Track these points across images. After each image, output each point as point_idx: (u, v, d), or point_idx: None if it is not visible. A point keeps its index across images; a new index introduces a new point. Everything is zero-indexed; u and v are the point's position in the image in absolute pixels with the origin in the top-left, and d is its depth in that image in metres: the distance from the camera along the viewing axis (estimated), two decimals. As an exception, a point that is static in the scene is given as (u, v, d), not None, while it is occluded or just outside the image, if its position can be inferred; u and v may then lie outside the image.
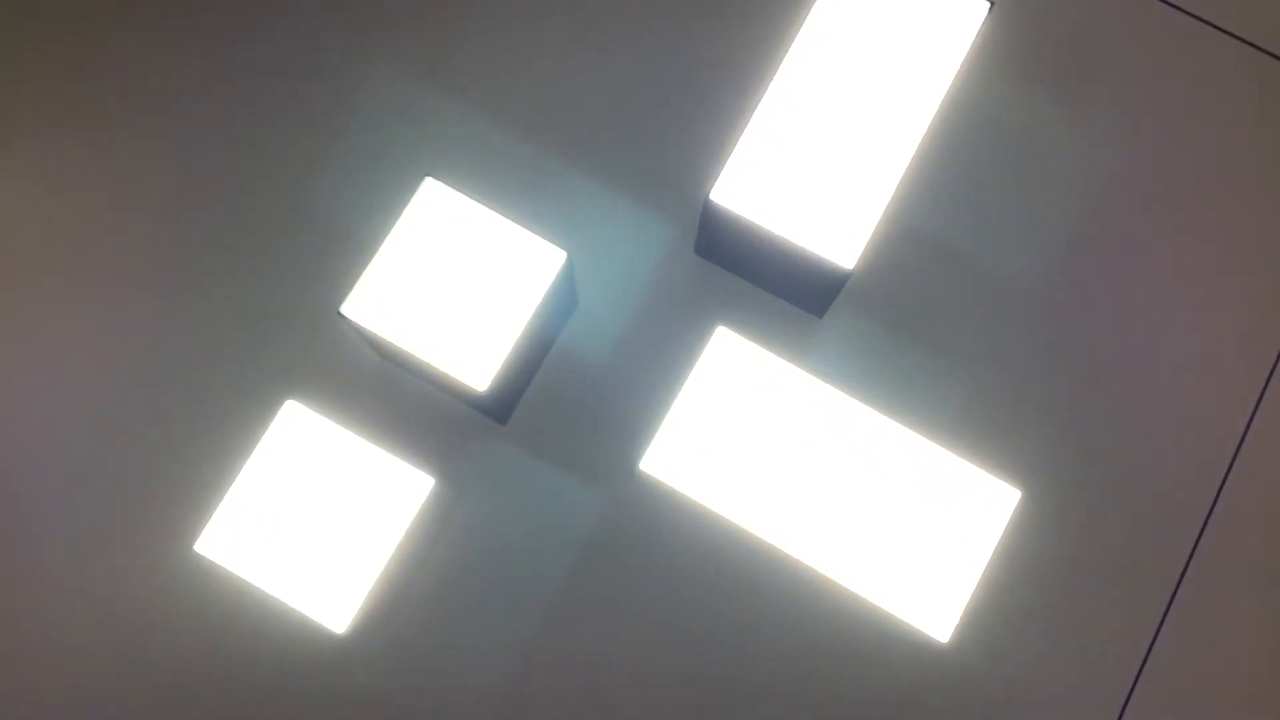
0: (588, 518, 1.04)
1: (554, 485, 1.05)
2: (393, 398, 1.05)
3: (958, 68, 0.95)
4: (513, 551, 1.03)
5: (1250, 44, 1.12)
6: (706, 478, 0.89)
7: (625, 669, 1.01)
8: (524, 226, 0.95)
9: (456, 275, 0.93)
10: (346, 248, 1.08)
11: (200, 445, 1.05)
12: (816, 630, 1.01)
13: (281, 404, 0.94)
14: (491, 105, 1.12)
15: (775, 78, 0.95)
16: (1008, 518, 0.89)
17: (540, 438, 1.06)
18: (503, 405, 1.03)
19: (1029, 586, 1.02)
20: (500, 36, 1.14)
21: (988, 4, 0.96)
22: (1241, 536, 1.03)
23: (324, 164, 1.11)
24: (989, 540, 0.89)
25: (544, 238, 0.95)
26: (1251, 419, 1.05)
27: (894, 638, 1.00)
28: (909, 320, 1.08)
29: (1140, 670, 1.00)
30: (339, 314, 0.93)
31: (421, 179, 0.95)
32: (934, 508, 0.89)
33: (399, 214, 0.94)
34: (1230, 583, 1.02)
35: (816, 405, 0.91)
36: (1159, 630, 1.01)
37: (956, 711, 1.00)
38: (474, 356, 0.92)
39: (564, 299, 1.03)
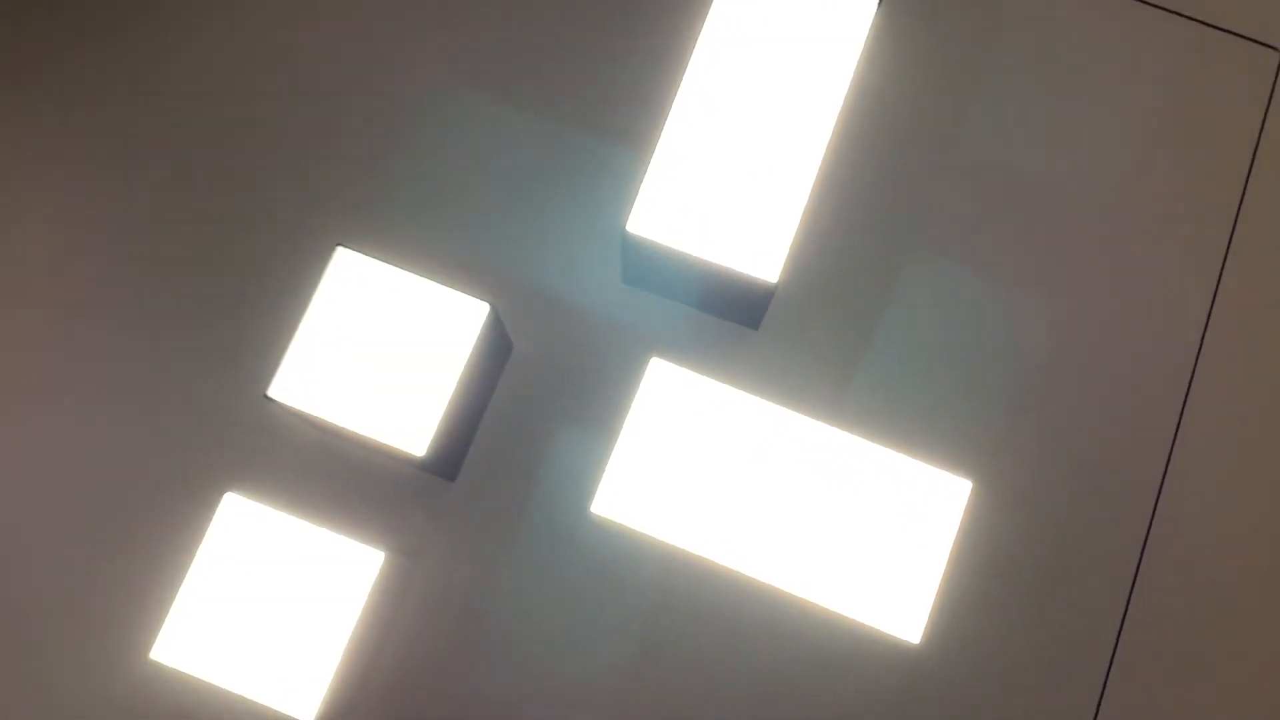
0: (546, 567, 1.03)
1: (509, 538, 1.04)
2: (335, 471, 1.04)
3: (853, 69, 0.96)
4: (475, 612, 1.03)
5: (1147, 2, 1.15)
6: (660, 512, 0.90)
7: (606, 712, 1.01)
8: (443, 283, 0.95)
9: (381, 342, 0.93)
10: (266, 327, 1.06)
11: (143, 550, 1.03)
12: (789, 648, 1.02)
13: (220, 498, 0.93)
14: (396, 162, 1.12)
15: (676, 101, 0.96)
16: (962, 509, 0.90)
17: (491, 490, 1.05)
18: (448, 464, 1.02)
19: (992, 575, 1.03)
20: (389, 93, 1.14)
21: (876, 2, 0.97)
22: (1198, 496, 1.05)
23: (233, 244, 1.10)
24: (947, 535, 0.90)
25: (465, 290, 0.94)
26: (1189, 388, 1.07)
27: (866, 645, 1.00)
28: (842, 323, 1.09)
29: (1116, 642, 1.02)
30: (266, 397, 0.92)
31: (333, 248, 0.94)
32: (889, 509, 0.90)
33: (314, 287, 0.93)
34: (1191, 543, 1.04)
35: (759, 424, 0.91)
36: (1129, 602, 1.02)
37: (938, 709, 1.01)
38: (409, 422, 0.91)
39: (495, 348, 1.02)
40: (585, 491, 1.03)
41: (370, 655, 1.00)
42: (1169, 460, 1.05)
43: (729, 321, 1.10)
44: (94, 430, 1.06)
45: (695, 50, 0.96)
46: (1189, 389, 1.07)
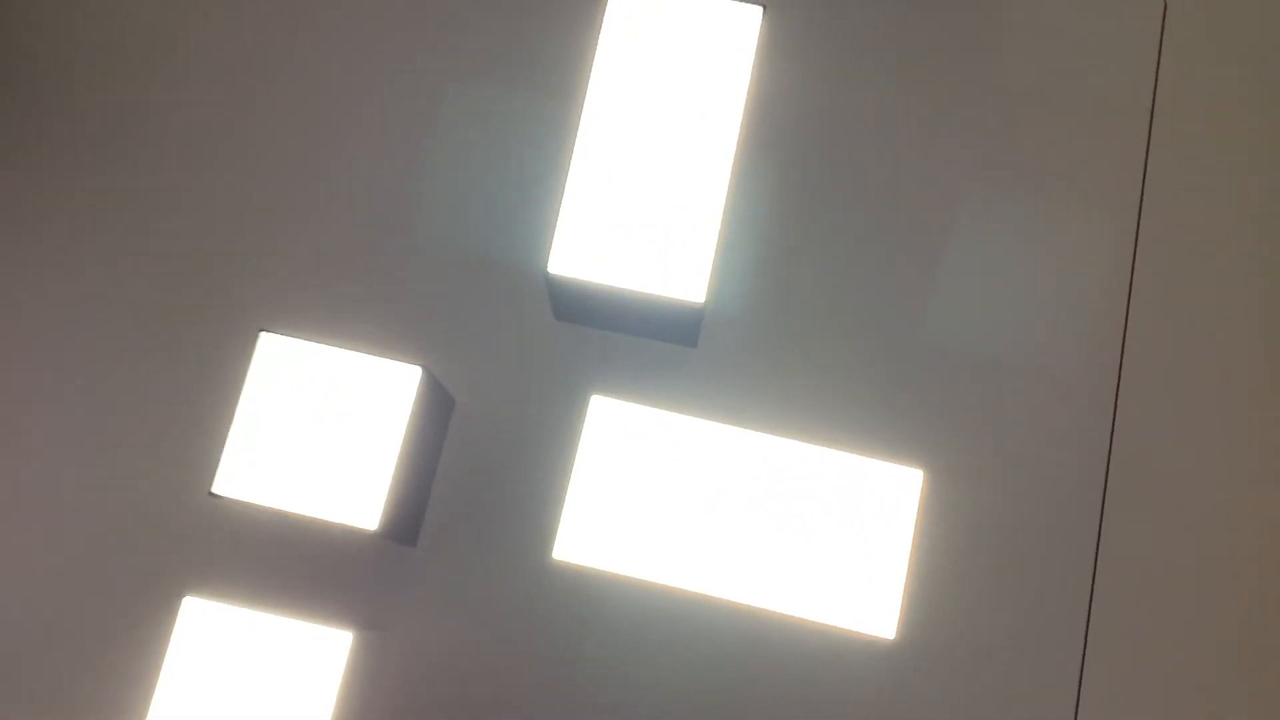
0: (517, 620, 1.04)
1: (477, 596, 1.04)
2: (292, 556, 1.04)
3: (748, 80, 0.98)
4: (452, 676, 1.03)
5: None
6: (621, 548, 0.90)
7: None
8: (372, 352, 0.95)
9: (318, 420, 0.93)
10: (198, 419, 1.06)
11: (105, 665, 1.02)
12: (768, 663, 1.03)
13: (178, 602, 0.92)
14: (307, 239, 1.12)
15: (578, 136, 0.97)
16: (917, 499, 0.92)
17: (452, 551, 1.05)
18: (405, 530, 1.02)
19: (957, 561, 1.05)
20: (291, 172, 1.14)
21: (760, 7, 0.99)
22: (1146, 462, 1.07)
23: (155, 339, 1.09)
24: (906, 526, 0.91)
25: (396, 356, 0.95)
26: (1122, 354, 1.09)
27: (844, 648, 1.02)
28: (777, 331, 1.10)
29: (1089, 608, 1.04)
30: (211, 494, 0.91)
31: (257, 334, 0.94)
32: (846, 510, 0.91)
33: (242, 374, 0.93)
34: (1147, 504, 1.06)
35: (707, 447, 0.93)
36: (1095, 569, 1.04)
37: (922, 700, 1.02)
38: (358, 496, 0.92)
39: (436, 407, 1.03)
40: (545, 538, 1.04)
41: (355, 735, 1.00)
42: (1113, 427, 1.07)
43: (667, 342, 1.11)
44: (35, 544, 1.05)
45: (590, 82, 0.97)
46: (1122, 355, 1.09)
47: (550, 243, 0.95)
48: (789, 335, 1.10)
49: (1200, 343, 1.10)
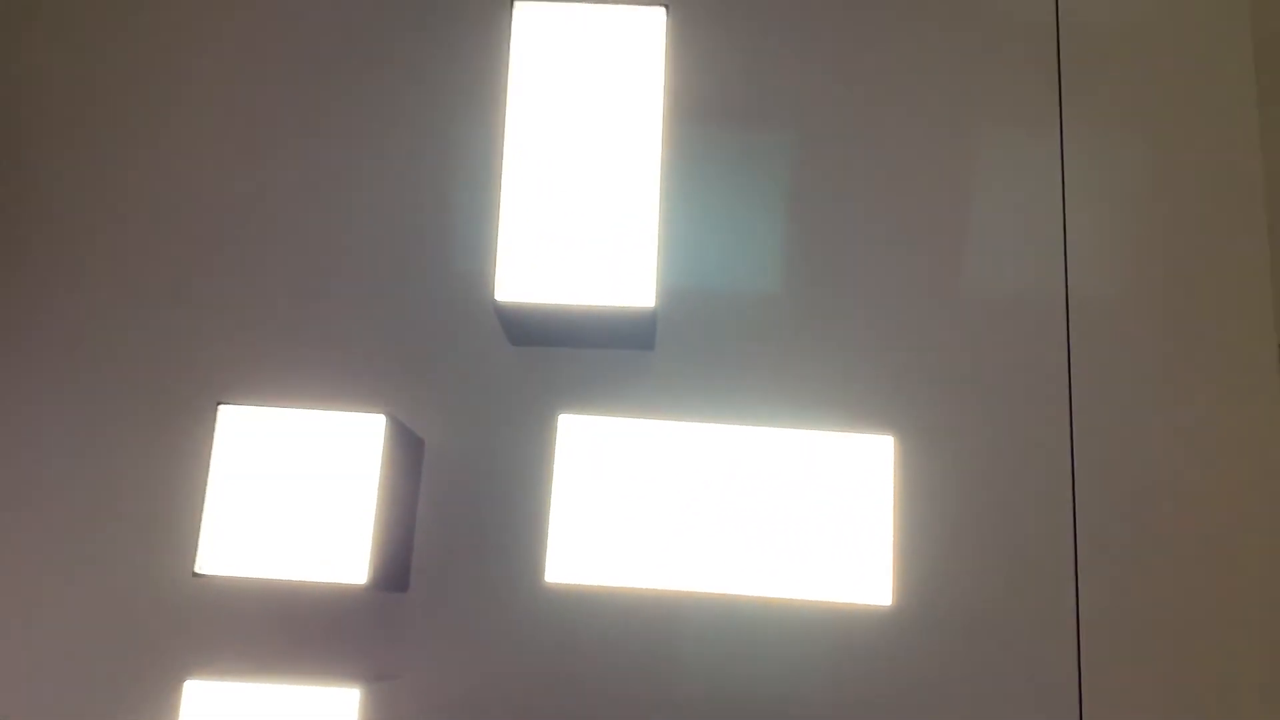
0: (521, 650, 1.04)
1: (476, 631, 1.05)
2: (288, 622, 1.04)
3: (662, 80, 0.99)
4: (467, 717, 1.03)
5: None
6: (612, 561, 0.92)
7: None
8: (333, 407, 0.95)
9: (291, 484, 0.93)
10: (172, 499, 1.06)
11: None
12: (774, 650, 1.04)
13: (179, 686, 0.92)
14: (249, 303, 1.12)
15: (505, 159, 0.98)
16: (891, 465, 0.94)
17: (444, 591, 1.06)
18: (395, 578, 1.03)
19: (939, 519, 1.07)
20: (224, 236, 1.14)
21: (663, 7, 1.00)
22: (1104, 397, 1.10)
23: (112, 427, 1.09)
24: (885, 493, 0.93)
25: (357, 407, 0.95)
26: (1067, 307, 1.12)
27: (844, 622, 1.04)
28: (731, 322, 1.12)
29: (1075, 549, 1.06)
30: (195, 574, 0.91)
31: (214, 407, 0.94)
32: (824, 487, 0.93)
33: (207, 448, 0.93)
34: (1114, 446, 1.09)
35: (679, 447, 0.94)
36: (1075, 510, 1.07)
37: (927, 662, 1.04)
38: (343, 552, 0.92)
39: (406, 451, 1.03)
40: (536, 563, 1.04)
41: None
42: (1070, 375, 1.10)
43: (625, 350, 1.13)
44: (23, 648, 1.04)
45: (506, 104, 0.98)
46: (1067, 308, 1.11)
47: (493, 270, 0.97)
48: (743, 325, 1.12)
49: (1138, 266, 1.13)
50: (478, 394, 1.10)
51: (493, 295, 0.97)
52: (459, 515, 1.07)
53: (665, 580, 0.92)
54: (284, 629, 1.04)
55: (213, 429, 0.94)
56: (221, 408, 0.95)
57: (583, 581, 0.91)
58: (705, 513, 0.93)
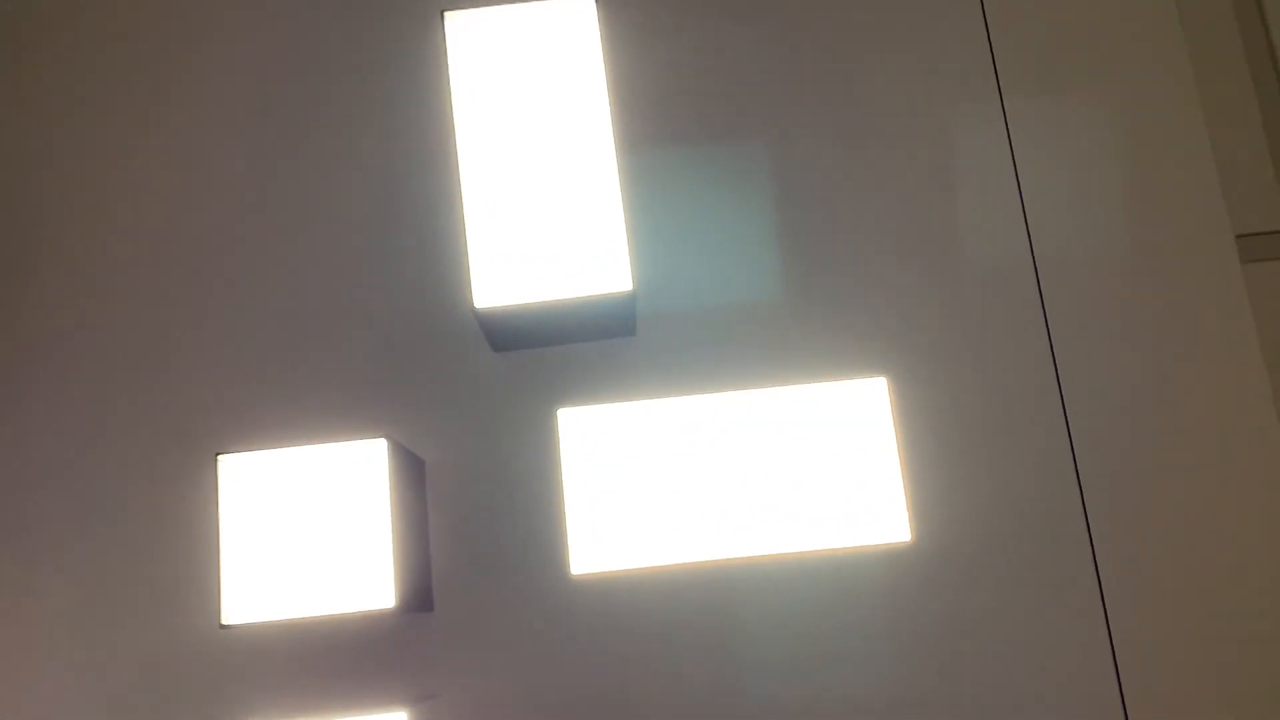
0: (560, 647, 1.05)
1: (511, 637, 1.06)
2: (322, 657, 1.04)
3: (603, 65, 1.01)
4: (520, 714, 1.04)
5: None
6: (633, 543, 0.93)
7: None
8: (330, 439, 0.96)
9: (302, 521, 0.94)
10: (189, 557, 1.05)
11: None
12: (805, 605, 1.06)
13: (224, 741, 0.92)
14: (229, 347, 1.12)
15: (460, 163, 0.99)
16: (889, 405, 0.96)
17: (471, 603, 1.06)
18: (421, 599, 1.03)
19: (943, 452, 1.09)
20: (197, 286, 1.14)
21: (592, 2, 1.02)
22: (1081, 327, 1.12)
23: (117, 487, 1.08)
24: (887, 433, 0.96)
25: (352, 435, 0.96)
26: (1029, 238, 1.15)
27: (869, 567, 1.06)
28: (708, 293, 1.14)
29: (1075, 469, 1.09)
30: (222, 627, 0.92)
31: (214, 458, 0.95)
32: (828, 437, 0.95)
33: (215, 500, 0.93)
34: (1102, 371, 1.12)
35: (679, 422, 0.96)
36: (1070, 437, 1.10)
37: (954, 590, 1.07)
38: (367, 582, 0.93)
39: (409, 472, 1.04)
40: (559, 560, 1.06)
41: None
42: (1042, 303, 1.13)
43: (607, 339, 1.14)
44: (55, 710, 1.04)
45: (453, 112, 0.99)
46: (1033, 253, 1.14)
47: (469, 279, 0.98)
48: (720, 294, 1.14)
49: (1093, 211, 1.16)
50: (469, 405, 1.11)
51: (472, 304, 0.98)
52: (471, 527, 1.08)
53: (689, 553, 0.93)
54: (318, 666, 1.04)
55: (213, 477, 0.94)
56: (221, 458, 0.95)
57: (609, 568, 0.92)
58: (717, 481, 0.95)
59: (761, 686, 1.05)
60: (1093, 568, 1.07)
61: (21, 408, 1.11)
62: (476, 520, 1.08)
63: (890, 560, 1.06)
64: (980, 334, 1.12)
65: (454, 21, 1.03)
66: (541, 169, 1.00)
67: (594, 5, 1.02)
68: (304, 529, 0.94)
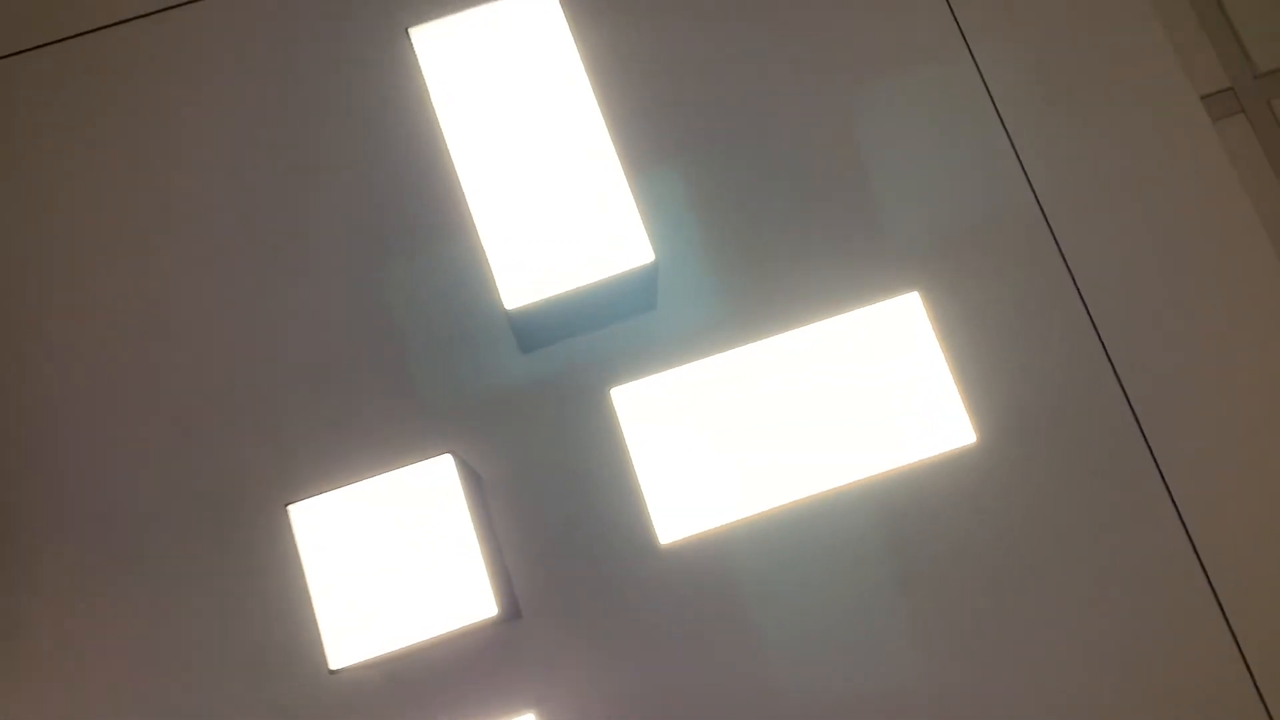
0: (666, 619, 1.07)
1: (615, 623, 1.07)
2: (434, 685, 1.05)
3: (576, 50, 1.02)
4: (647, 707, 1.05)
5: None
6: (714, 503, 0.95)
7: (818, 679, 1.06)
8: (395, 465, 0.97)
9: (387, 552, 0.94)
10: (277, 607, 1.05)
11: None
12: (886, 528, 1.08)
13: (357, 783, 0.93)
14: (270, 394, 1.12)
15: (460, 174, 1.00)
16: (925, 317, 0.99)
17: (560, 601, 1.08)
18: (511, 607, 1.05)
19: (989, 353, 1.12)
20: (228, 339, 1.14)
21: (552, -8, 1.03)
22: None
23: (188, 542, 1.08)
24: (931, 342, 0.98)
25: (418, 455, 0.97)
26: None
27: (943, 475, 1.08)
28: (720, 249, 1.16)
29: (1106, 354, 1.12)
30: (331, 672, 0.92)
31: (283, 511, 0.95)
32: (875, 361, 0.98)
33: (294, 550, 0.94)
34: (1112, 272, 1.15)
35: (728, 376, 0.97)
36: (1091, 318, 1.13)
37: (1032, 481, 1.09)
38: (465, 598, 0.94)
39: (475, 485, 1.05)
40: (640, 537, 1.07)
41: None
42: (1036, 198, 1.16)
43: (631, 318, 1.15)
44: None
45: (441, 123, 1.00)
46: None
47: (492, 284, 0.99)
48: (730, 253, 1.16)
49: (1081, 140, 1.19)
50: (514, 410, 1.12)
51: (502, 307, 0.99)
52: (541, 530, 1.09)
53: (766, 500, 0.95)
54: (427, 694, 1.05)
55: (285, 528, 0.95)
56: (290, 508, 0.95)
57: (697, 530, 0.94)
58: (778, 425, 0.96)
59: (862, 615, 1.07)
60: (1143, 442, 1.10)
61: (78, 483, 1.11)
62: (546, 522, 1.09)
63: (961, 465, 1.08)
64: (993, 244, 1.15)
65: (420, 36, 1.04)
66: (537, 162, 1.01)
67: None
68: (391, 558, 0.94)
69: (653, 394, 0.98)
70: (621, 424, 0.97)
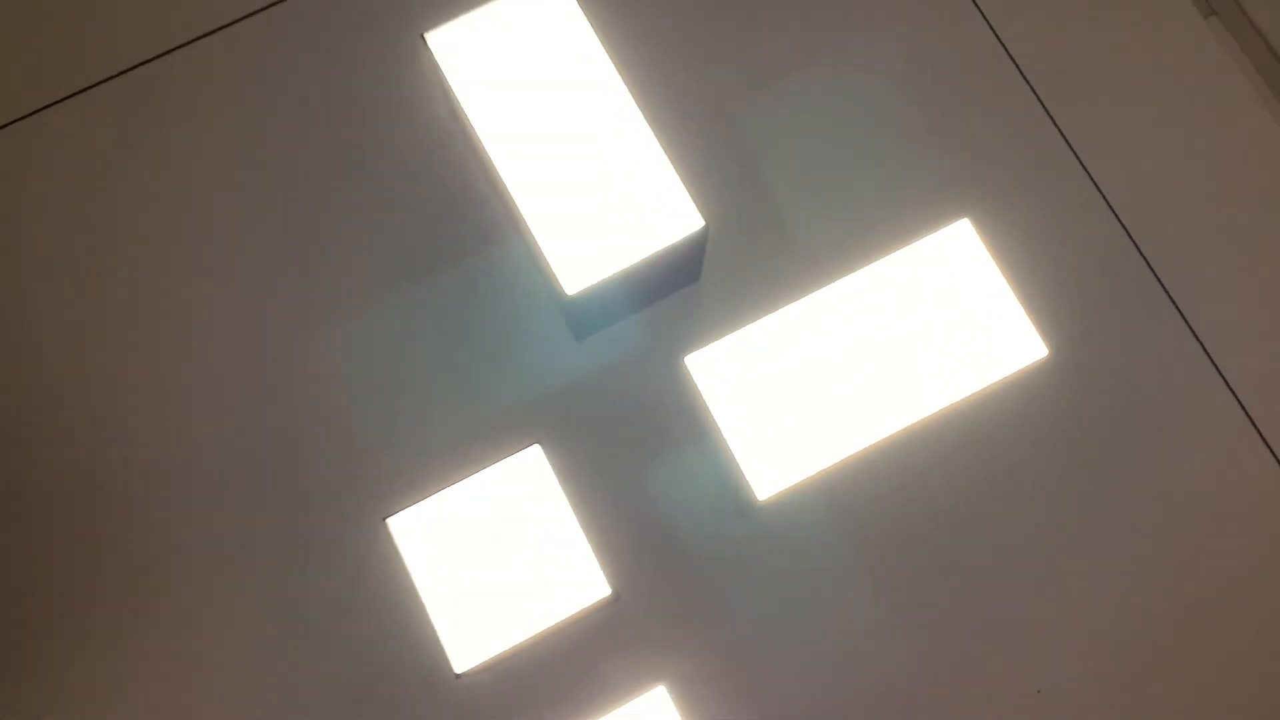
0: (774, 574, 1.08)
1: (713, 594, 1.08)
2: (549, 673, 1.06)
3: (592, 30, 1.03)
4: (777, 660, 1.07)
5: None
6: (803, 453, 0.96)
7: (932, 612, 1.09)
8: (477, 468, 0.97)
9: (491, 550, 0.95)
10: (391, 617, 1.06)
11: None
12: (969, 453, 1.11)
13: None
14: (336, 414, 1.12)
15: (498, 169, 1.01)
16: (978, 241, 1.01)
17: (663, 576, 1.09)
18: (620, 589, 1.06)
19: (1041, 268, 1.15)
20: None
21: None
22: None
23: (294, 563, 1.09)
24: (989, 264, 1.00)
25: (500, 454, 0.98)
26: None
27: (1021, 392, 1.10)
28: (756, 209, 1.17)
29: (1147, 261, 1.16)
30: (457, 677, 0.93)
31: (380, 525, 0.96)
32: (938, 291, 1.00)
33: (402, 567, 0.95)
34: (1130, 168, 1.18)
35: (794, 327, 0.99)
36: (1127, 230, 1.16)
37: (1105, 388, 1.12)
38: (576, 582, 0.95)
39: (563, 472, 1.06)
40: (739, 497, 1.09)
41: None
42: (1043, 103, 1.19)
43: (675, 293, 1.16)
44: None
45: (471, 121, 1.01)
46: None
47: (550, 273, 0.99)
48: (767, 209, 1.17)
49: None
50: (582, 394, 1.13)
51: (563, 294, 1.00)
52: (633, 508, 1.10)
53: (854, 442, 0.97)
54: (551, 686, 1.05)
55: (384, 539, 0.96)
56: (389, 521, 0.96)
57: (793, 480, 0.96)
58: (853, 368, 0.98)
59: (956, 544, 1.09)
60: (1185, 325, 1.13)
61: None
62: (639, 497, 1.10)
63: (1035, 380, 1.10)
64: (1023, 166, 1.18)
65: (436, 39, 1.04)
66: (573, 147, 1.02)
67: (564, -22, 1.04)
68: (496, 554, 0.95)
69: (726, 356, 0.99)
70: (701, 389, 0.98)
